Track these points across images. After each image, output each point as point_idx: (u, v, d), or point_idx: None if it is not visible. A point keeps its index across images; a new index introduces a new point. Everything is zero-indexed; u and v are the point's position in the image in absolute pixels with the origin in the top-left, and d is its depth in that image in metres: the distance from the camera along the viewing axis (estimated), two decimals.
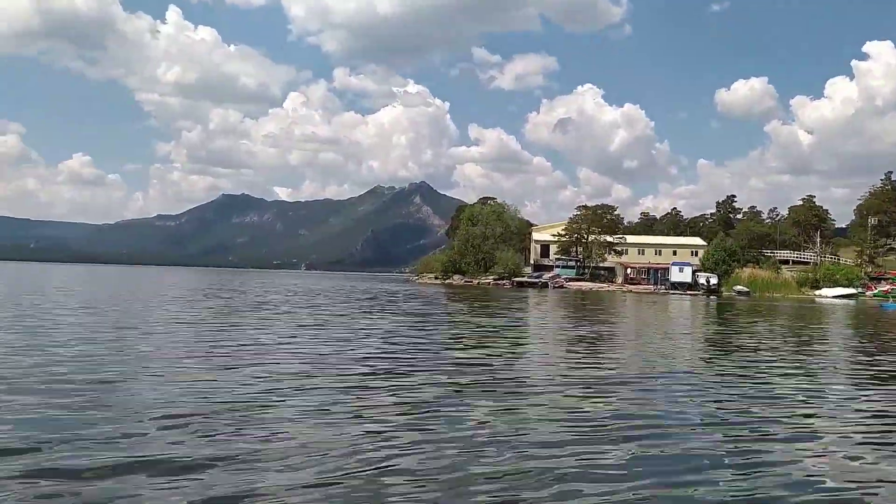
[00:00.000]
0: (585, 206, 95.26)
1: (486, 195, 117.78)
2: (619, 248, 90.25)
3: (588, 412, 8.20)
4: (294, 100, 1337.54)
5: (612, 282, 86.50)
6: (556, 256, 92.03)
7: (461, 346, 15.55)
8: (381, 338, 16.27)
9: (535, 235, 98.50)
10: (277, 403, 8.10)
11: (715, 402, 9.19)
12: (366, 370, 10.93)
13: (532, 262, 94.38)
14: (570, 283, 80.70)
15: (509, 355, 13.92)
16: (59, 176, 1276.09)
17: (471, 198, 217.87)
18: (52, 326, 16.14)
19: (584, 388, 9.95)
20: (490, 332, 19.45)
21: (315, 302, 32.82)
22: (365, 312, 26.13)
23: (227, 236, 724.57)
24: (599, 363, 13.06)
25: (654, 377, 11.31)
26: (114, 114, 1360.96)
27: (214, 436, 6.51)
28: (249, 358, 11.79)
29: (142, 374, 9.78)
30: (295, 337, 15.76)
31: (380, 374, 10.52)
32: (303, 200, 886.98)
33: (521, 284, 78.65)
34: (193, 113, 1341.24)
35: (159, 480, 5.23)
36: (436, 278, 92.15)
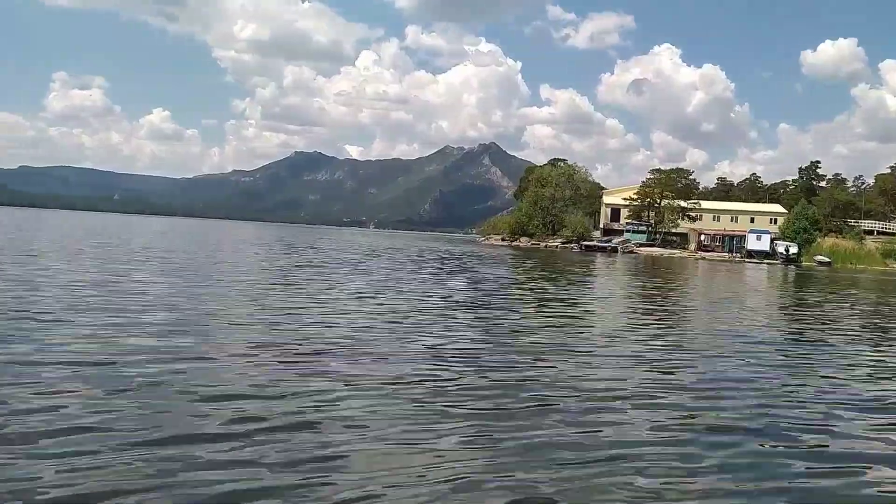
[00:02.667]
0: (659, 170, 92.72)
1: (556, 157, 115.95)
2: (692, 214, 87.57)
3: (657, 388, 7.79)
4: (366, 58, 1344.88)
5: (685, 248, 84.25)
6: (627, 221, 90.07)
7: (528, 311, 15.23)
8: (452, 300, 16.09)
9: (606, 199, 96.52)
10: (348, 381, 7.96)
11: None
12: (439, 335, 10.74)
13: (602, 226, 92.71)
14: (641, 249, 79.03)
15: (578, 323, 13.56)
16: (141, 130, 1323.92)
17: (540, 160, 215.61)
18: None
19: (652, 364, 9.52)
20: (559, 297, 19.06)
21: (387, 261, 32.97)
22: (434, 273, 26.06)
23: (300, 193, 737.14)
24: (669, 334, 12.55)
25: (724, 350, 10.76)
26: (191, 70, 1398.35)
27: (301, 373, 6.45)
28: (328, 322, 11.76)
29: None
30: (367, 296, 15.73)
31: (454, 340, 10.31)
32: (373, 159, 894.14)
33: (589, 248, 77.41)
34: (267, 70, 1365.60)
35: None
36: (502, 240, 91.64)
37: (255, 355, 8.08)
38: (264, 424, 5.49)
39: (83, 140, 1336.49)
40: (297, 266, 25.04)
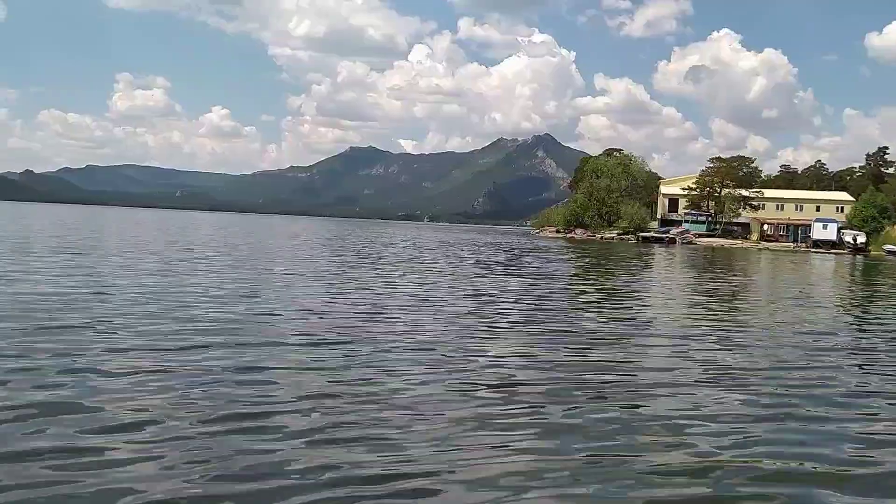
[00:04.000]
0: (719, 158, 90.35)
1: (611, 147, 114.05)
2: (755, 203, 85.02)
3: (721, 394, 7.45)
4: (419, 52, 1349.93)
5: (747, 238, 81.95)
6: (686, 211, 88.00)
7: (588, 304, 14.91)
8: (511, 293, 15.90)
9: (664, 189, 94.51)
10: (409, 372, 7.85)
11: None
12: (499, 327, 10.58)
13: (659, 216, 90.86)
14: (700, 239, 77.16)
15: (637, 317, 13.20)
16: (201, 128, 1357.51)
17: (595, 150, 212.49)
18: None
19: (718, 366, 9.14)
20: (617, 290, 18.66)
21: (445, 255, 32.96)
22: (488, 267, 25.89)
23: (355, 188, 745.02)
24: (734, 330, 12.09)
25: (795, 345, 10.29)
26: (249, 68, 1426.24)
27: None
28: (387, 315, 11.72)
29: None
30: (429, 291, 15.66)
31: (514, 330, 10.12)
32: (426, 153, 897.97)
33: (646, 240, 75.94)
34: (322, 66, 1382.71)
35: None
36: (557, 232, 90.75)
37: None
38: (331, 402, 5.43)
39: (146, 139, 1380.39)
40: (357, 261, 25.14)
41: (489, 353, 8.33)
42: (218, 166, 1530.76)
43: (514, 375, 7.23)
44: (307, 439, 4.98)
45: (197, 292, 12.67)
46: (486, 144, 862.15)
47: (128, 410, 5.38)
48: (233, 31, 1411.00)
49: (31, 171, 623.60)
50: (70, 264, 16.94)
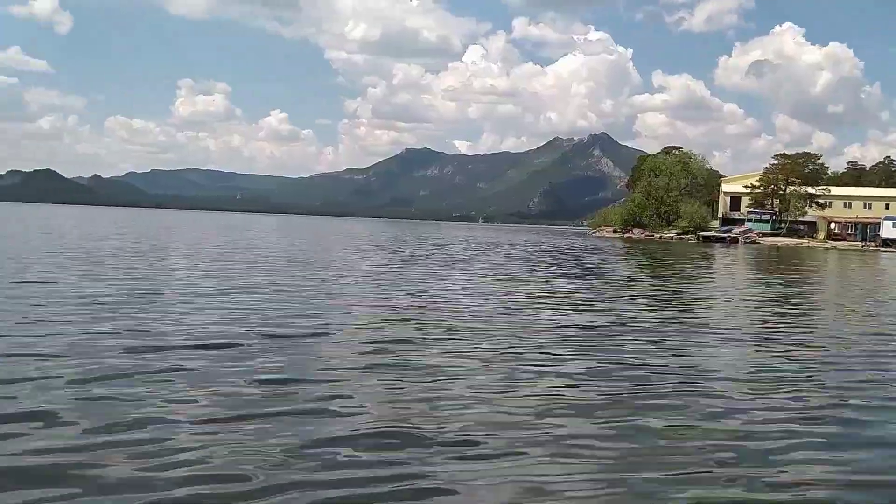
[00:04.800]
0: (783, 155, 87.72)
1: (669, 145, 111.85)
2: (821, 201, 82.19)
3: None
4: (473, 52, 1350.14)
5: (812, 237, 79.34)
6: (749, 210, 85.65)
7: (648, 305, 14.58)
8: (565, 294, 15.71)
9: (725, 187, 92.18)
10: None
11: None
12: (556, 334, 10.43)
13: (721, 215, 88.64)
14: (764, 238, 75.03)
15: (699, 319, 12.85)
16: (260, 132, 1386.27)
17: (653, 148, 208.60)
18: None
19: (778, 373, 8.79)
20: (678, 291, 18.24)
21: (501, 256, 32.85)
22: (546, 267, 25.68)
23: (410, 189, 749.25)
24: (801, 334, 11.64)
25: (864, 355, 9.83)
26: (305, 72, 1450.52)
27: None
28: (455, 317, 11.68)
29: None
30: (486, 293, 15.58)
31: (569, 339, 9.94)
32: (481, 154, 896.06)
33: (707, 239, 74.24)
34: (378, 69, 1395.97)
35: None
36: (614, 231, 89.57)
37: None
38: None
39: (207, 143, 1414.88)
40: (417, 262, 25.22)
41: (548, 356, 8.18)
42: (276, 169, 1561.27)
43: (572, 381, 7.06)
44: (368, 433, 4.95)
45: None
46: (542, 144, 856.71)
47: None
48: (290, 36, 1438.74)
49: (99, 176, 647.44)
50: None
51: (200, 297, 11.96)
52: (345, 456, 4.63)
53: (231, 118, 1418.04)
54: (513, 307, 12.56)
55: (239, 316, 10.10)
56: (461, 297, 13.93)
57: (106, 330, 8.53)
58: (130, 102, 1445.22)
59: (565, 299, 14.38)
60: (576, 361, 7.91)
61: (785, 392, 6.85)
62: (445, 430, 5.23)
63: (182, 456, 4.49)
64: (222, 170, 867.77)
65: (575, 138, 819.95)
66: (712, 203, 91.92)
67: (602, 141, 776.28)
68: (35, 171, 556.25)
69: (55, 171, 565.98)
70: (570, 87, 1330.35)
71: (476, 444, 4.95)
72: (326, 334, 9.02)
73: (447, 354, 7.97)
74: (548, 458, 4.74)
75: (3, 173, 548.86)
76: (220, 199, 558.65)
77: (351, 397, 6.03)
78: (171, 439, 4.79)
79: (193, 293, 12.48)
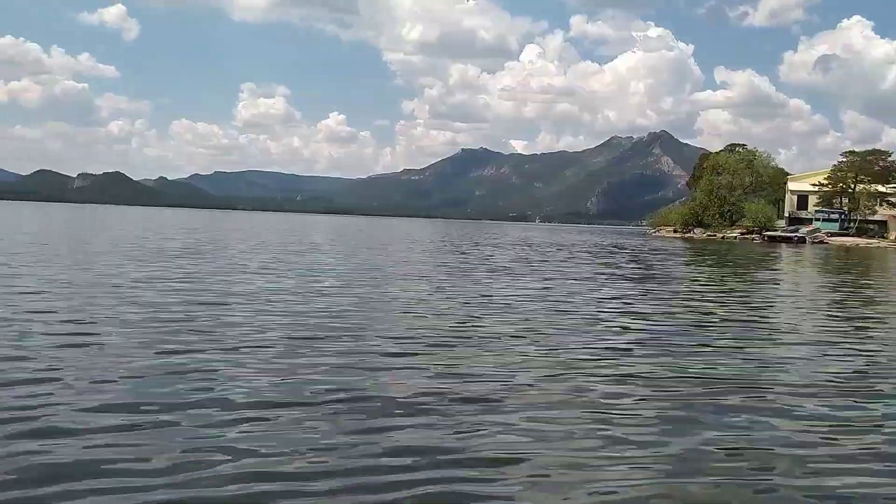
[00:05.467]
0: (852, 152, 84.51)
1: (733, 142, 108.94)
2: (892, 200, 78.89)
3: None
4: (530, 52, 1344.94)
5: (883, 237, 76.21)
6: (816, 209, 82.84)
7: (715, 311, 14.21)
8: (626, 295, 15.46)
9: (791, 185, 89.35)
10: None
11: None
12: (624, 339, 10.24)
13: (787, 214, 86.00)
14: (832, 238, 72.42)
15: (763, 324, 12.45)
16: (319, 134, 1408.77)
17: (715, 146, 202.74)
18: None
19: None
20: (743, 293, 17.75)
21: (562, 256, 32.63)
22: (608, 268, 25.35)
23: (466, 189, 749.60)
24: (873, 342, 11.16)
25: None
26: (363, 74, 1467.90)
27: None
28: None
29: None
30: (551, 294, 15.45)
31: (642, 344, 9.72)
32: (538, 153, 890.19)
33: (772, 239, 72.09)
34: (434, 70, 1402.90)
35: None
36: (674, 231, 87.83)
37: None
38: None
39: (268, 145, 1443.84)
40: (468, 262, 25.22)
41: (610, 359, 8.03)
42: (335, 170, 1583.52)
43: (637, 392, 6.84)
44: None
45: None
46: (599, 143, 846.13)
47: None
48: (349, 39, 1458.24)
49: (165, 178, 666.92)
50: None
51: (257, 297, 12.17)
52: (388, 453, 4.65)
53: (291, 120, 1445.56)
54: (574, 308, 12.37)
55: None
56: (522, 297, 13.78)
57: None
58: (194, 106, 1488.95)
59: (628, 301, 14.12)
60: (638, 364, 7.73)
61: (853, 401, 6.53)
62: (498, 430, 5.19)
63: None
64: (283, 171, 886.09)
65: (634, 137, 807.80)
66: (778, 202, 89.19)
67: (662, 139, 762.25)
68: (105, 173, 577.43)
69: (124, 174, 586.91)
70: (628, 85, 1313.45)
71: (526, 446, 4.88)
72: (388, 329, 9.07)
73: (506, 353, 7.91)
74: (604, 463, 4.63)
75: (74, 176, 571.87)
76: (282, 200, 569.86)
77: (399, 395, 6.04)
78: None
79: (257, 294, 12.70)
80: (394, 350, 7.97)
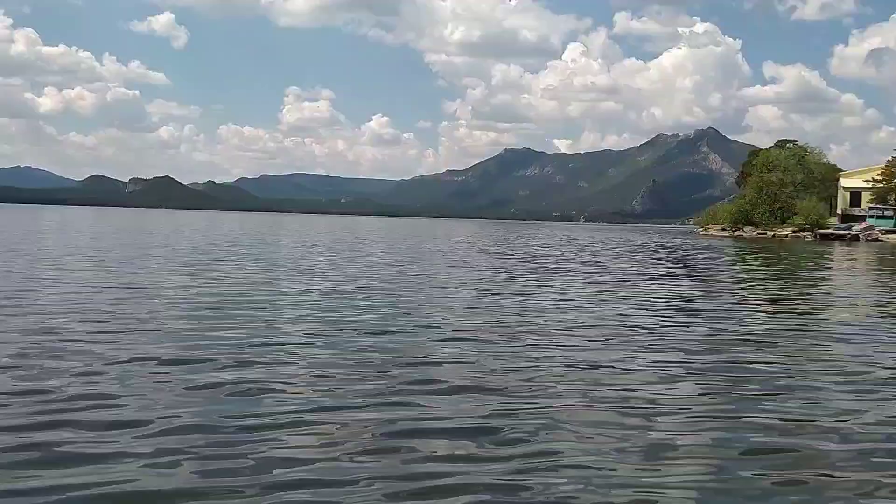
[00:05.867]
0: None
1: (783, 138, 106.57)
2: None
3: None
4: (573, 50, 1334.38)
5: None
6: (869, 205, 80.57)
7: (768, 312, 14.11)
8: (680, 298, 15.45)
9: (844, 182, 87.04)
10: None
11: None
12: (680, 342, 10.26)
13: (839, 211, 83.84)
14: (887, 236, 70.39)
15: (817, 327, 12.33)
16: (363, 137, 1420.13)
17: (764, 142, 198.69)
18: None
19: None
20: (800, 295, 17.55)
21: (609, 257, 32.53)
22: (656, 268, 25.23)
23: (510, 189, 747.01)
24: None
25: None
26: (406, 76, 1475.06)
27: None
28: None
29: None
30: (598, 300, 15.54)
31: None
32: (582, 152, 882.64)
33: (825, 237, 70.42)
34: (477, 70, 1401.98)
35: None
36: (723, 230, 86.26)
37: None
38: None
39: (313, 149, 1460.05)
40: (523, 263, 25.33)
41: (658, 361, 8.12)
42: (378, 172, 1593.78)
43: (682, 402, 6.89)
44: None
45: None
46: (645, 141, 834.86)
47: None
48: (391, 42, 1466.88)
49: (213, 182, 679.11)
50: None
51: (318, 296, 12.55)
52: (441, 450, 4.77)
53: (335, 123, 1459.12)
54: (622, 310, 12.30)
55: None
56: (569, 300, 13.73)
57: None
58: (241, 111, 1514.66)
59: (678, 302, 13.92)
60: (686, 366, 7.73)
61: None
62: (542, 432, 5.22)
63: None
64: (328, 174, 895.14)
65: (680, 134, 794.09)
66: (830, 199, 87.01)
67: (709, 136, 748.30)
68: (155, 178, 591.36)
69: (173, 179, 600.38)
70: (674, 82, 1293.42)
71: (571, 447, 4.92)
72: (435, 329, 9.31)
73: (552, 357, 7.95)
74: (646, 467, 4.60)
75: (126, 181, 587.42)
76: (327, 202, 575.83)
77: (449, 393, 6.17)
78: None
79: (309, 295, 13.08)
80: (446, 347, 8.22)
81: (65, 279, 14.01)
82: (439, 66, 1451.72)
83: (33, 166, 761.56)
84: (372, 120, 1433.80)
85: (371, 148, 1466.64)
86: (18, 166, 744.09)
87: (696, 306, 13.05)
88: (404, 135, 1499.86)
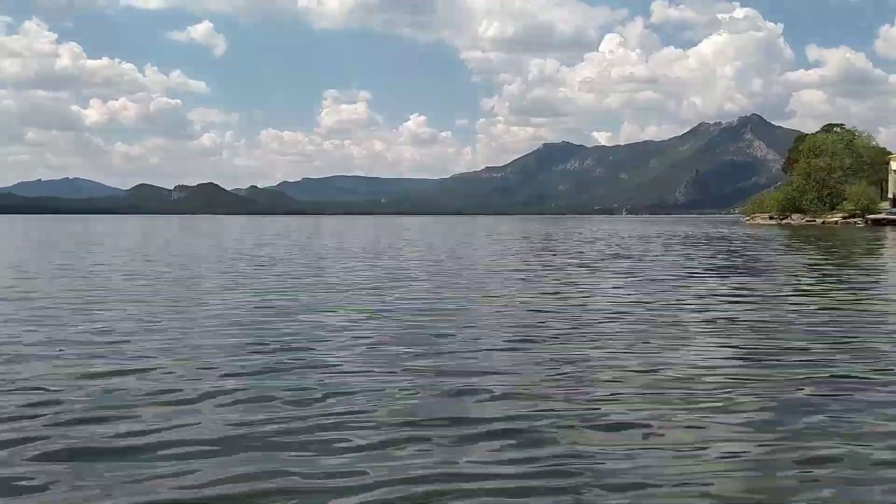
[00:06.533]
0: None
1: (829, 123, 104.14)
2: None
3: None
4: (610, 41, 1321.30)
5: None
6: None
7: (824, 303, 14.10)
8: (733, 290, 15.57)
9: (894, 165, 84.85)
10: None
11: None
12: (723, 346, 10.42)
13: (890, 195, 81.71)
14: None
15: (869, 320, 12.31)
16: (400, 137, 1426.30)
17: (810, 127, 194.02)
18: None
19: None
20: (858, 286, 17.48)
21: (658, 249, 32.50)
22: (705, 259, 25.23)
23: (550, 184, 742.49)
24: None
25: None
26: (442, 74, 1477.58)
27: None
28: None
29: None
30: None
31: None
32: (622, 144, 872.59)
33: (876, 222, 68.81)
34: (513, 66, 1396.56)
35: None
36: (770, 218, 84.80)
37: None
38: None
39: (352, 150, 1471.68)
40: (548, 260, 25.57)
41: (711, 356, 8.34)
42: (417, 172, 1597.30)
43: (731, 383, 7.08)
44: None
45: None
46: (686, 131, 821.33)
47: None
48: (426, 41, 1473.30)
49: (255, 186, 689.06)
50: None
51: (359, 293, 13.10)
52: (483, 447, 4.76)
53: (373, 125, 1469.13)
54: (675, 303, 12.24)
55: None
56: (618, 294, 13.65)
57: None
58: (280, 115, 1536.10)
59: (731, 294, 13.54)
60: (739, 361, 7.60)
61: None
62: (590, 423, 5.25)
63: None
64: (367, 175, 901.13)
65: (722, 122, 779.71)
66: (881, 183, 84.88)
67: (753, 123, 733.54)
68: (199, 184, 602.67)
69: (217, 185, 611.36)
70: (715, 70, 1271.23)
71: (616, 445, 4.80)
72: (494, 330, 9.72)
73: (600, 351, 7.95)
74: (690, 461, 4.52)
75: (171, 189, 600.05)
76: (368, 203, 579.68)
77: (492, 390, 6.12)
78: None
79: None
80: (505, 346, 8.40)
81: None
82: (475, 62, 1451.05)
83: (81, 177, 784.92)
84: (409, 120, 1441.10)
85: (409, 147, 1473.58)
86: (67, 178, 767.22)
87: (751, 295, 13.03)
88: (441, 133, 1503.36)
